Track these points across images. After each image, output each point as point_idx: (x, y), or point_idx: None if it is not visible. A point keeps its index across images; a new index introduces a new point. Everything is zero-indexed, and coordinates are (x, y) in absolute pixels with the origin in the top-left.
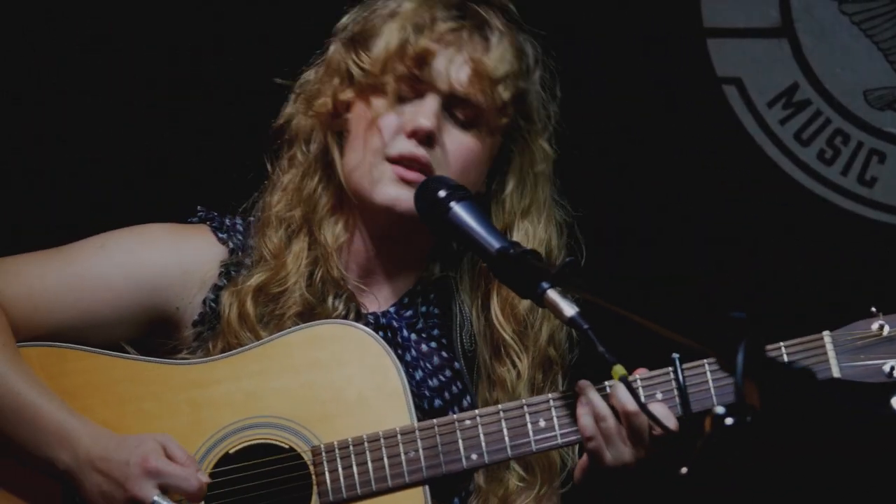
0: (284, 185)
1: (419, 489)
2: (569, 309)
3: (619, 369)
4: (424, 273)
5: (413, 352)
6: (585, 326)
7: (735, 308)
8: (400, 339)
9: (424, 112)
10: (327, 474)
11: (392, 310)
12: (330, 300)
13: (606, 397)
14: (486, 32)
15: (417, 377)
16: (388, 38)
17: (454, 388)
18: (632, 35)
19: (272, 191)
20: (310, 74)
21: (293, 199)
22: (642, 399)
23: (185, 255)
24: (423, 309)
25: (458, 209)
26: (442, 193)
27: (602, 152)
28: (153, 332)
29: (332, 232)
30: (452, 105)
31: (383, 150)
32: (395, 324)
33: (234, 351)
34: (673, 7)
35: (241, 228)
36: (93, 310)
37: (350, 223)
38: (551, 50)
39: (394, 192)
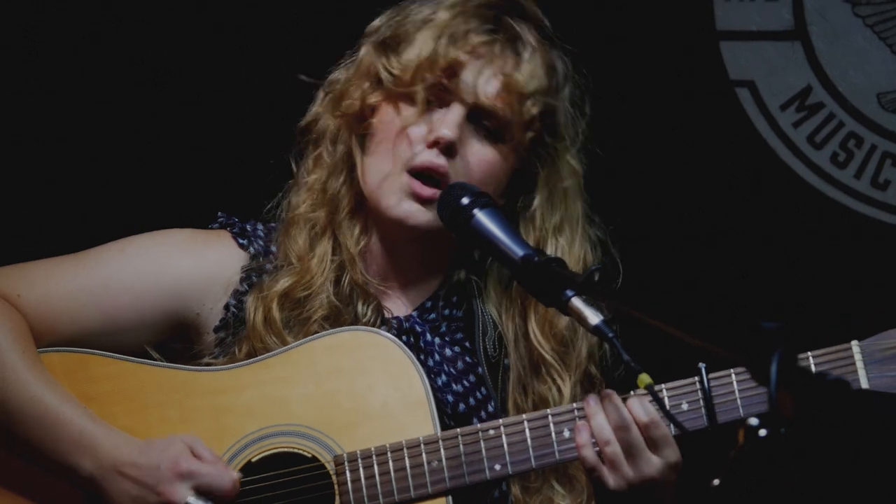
0: (310, 185)
1: (442, 500)
2: (594, 317)
3: (644, 378)
4: (447, 277)
5: (436, 356)
6: (610, 335)
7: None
8: (423, 344)
9: (447, 122)
10: (349, 483)
11: (415, 314)
12: (359, 305)
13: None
14: (519, 47)
15: (440, 382)
16: (420, 46)
17: (479, 393)
18: (645, 38)
19: (297, 191)
20: (339, 74)
21: (318, 199)
22: (668, 406)
23: (205, 261)
24: (446, 312)
25: (481, 216)
26: (465, 200)
27: (615, 155)
28: (174, 338)
29: (352, 235)
30: (478, 117)
31: (404, 158)
32: (418, 328)
33: (258, 358)
34: (686, 10)
35: (262, 234)
36: (114, 315)
37: (368, 226)
38: (582, 67)
39: (406, 207)
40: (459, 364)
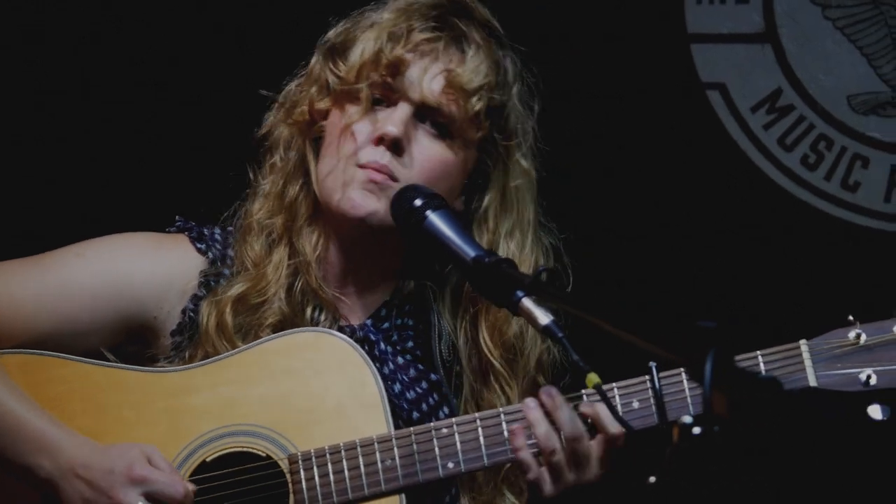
0: (266, 192)
1: (396, 497)
2: (544, 317)
3: (593, 377)
4: (399, 285)
5: (391, 364)
6: (560, 335)
7: (716, 314)
8: (377, 353)
9: (393, 119)
10: (304, 482)
11: (369, 322)
12: (309, 311)
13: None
14: (464, 45)
15: (396, 390)
16: (363, 47)
17: (430, 399)
18: (616, 41)
19: (254, 198)
20: (292, 85)
21: (274, 206)
22: (619, 405)
23: (164, 265)
24: (398, 321)
25: (433, 218)
26: (418, 202)
27: (586, 158)
28: (131, 341)
29: (310, 242)
30: (425, 115)
31: (353, 156)
32: (372, 337)
33: (213, 359)
34: (657, 13)
35: (219, 238)
36: (72, 318)
37: (325, 233)
38: (533, 66)
39: (356, 196)
40: (412, 372)
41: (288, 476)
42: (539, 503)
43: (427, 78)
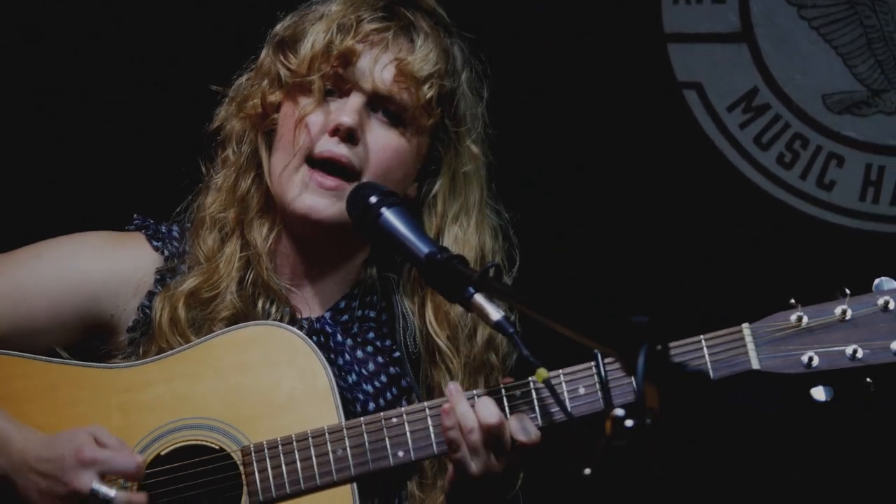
0: (219, 186)
1: (347, 487)
2: (495, 313)
3: (542, 372)
4: (361, 277)
5: (347, 356)
6: (511, 330)
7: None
8: (333, 344)
9: (346, 109)
10: (257, 474)
11: (327, 315)
12: (260, 304)
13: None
14: (412, 34)
15: (350, 381)
16: (313, 38)
17: (389, 393)
18: (592, 40)
19: (206, 192)
20: (243, 79)
21: (227, 199)
22: (565, 391)
23: (119, 263)
24: (360, 313)
25: (388, 215)
26: (373, 199)
27: (562, 156)
28: (88, 338)
29: (260, 234)
30: (378, 104)
31: (306, 149)
32: (328, 329)
33: (165, 354)
34: (633, 12)
35: (177, 235)
36: (30, 317)
37: (277, 225)
38: (480, 53)
39: (310, 200)
40: (371, 365)
41: (241, 468)
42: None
43: (378, 67)
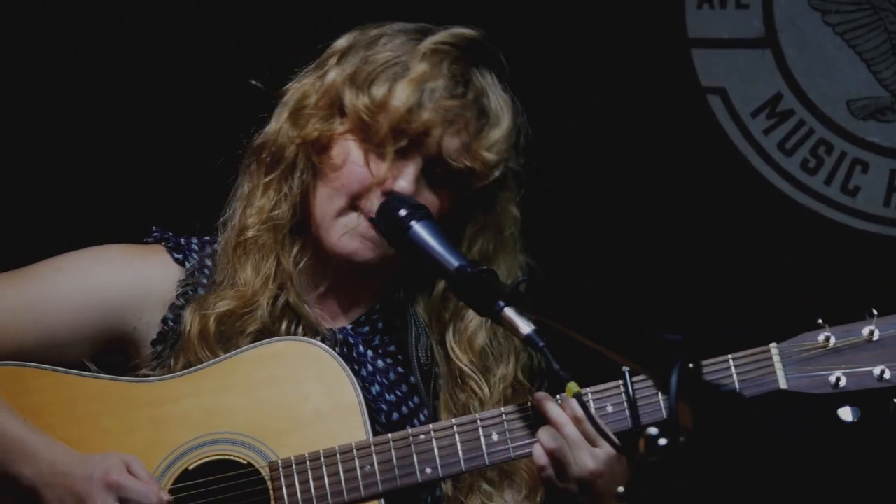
0: (261, 208)
1: (375, 503)
2: (525, 327)
3: (572, 386)
4: (385, 293)
5: (369, 367)
6: (541, 344)
7: (713, 320)
8: (355, 355)
9: (407, 176)
10: (284, 489)
11: (349, 327)
12: (285, 324)
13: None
14: (485, 103)
15: (374, 392)
16: (399, 99)
17: (411, 402)
18: (617, 45)
19: (244, 210)
20: (298, 93)
21: (266, 222)
22: (593, 411)
23: (141, 276)
24: (381, 325)
25: (418, 228)
26: (402, 212)
27: (586, 161)
28: (112, 351)
29: (290, 254)
30: (432, 166)
31: (356, 199)
32: (351, 340)
33: (193, 368)
34: (657, 17)
35: (196, 248)
36: (51, 330)
37: (308, 247)
38: (526, 95)
39: (354, 245)
40: (391, 375)
41: (269, 483)
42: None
43: (447, 139)
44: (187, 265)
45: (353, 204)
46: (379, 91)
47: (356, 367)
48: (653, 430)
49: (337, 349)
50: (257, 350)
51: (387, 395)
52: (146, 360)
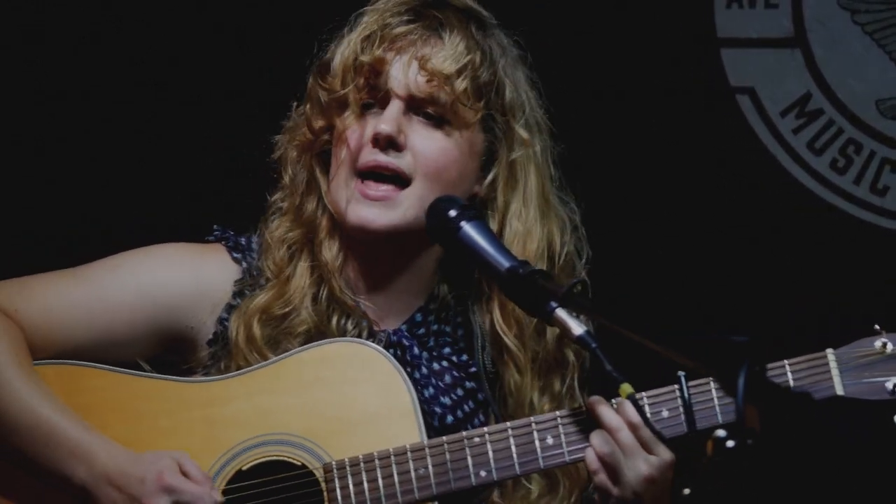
0: (284, 210)
1: None
2: (577, 328)
3: (626, 388)
4: (435, 290)
5: (423, 369)
6: (594, 345)
7: (741, 320)
8: (410, 357)
9: (384, 118)
10: (338, 491)
11: (404, 328)
12: (335, 320)
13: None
14: (440, 32)
15: (427, 394)
16: (341, 54)
17: (466, 406)
18: (646, 45)
19: (272, 216)
20: (297, 108)
21: (292, 222)
22: (648, 415)
23: (199, 275)
24: (435, 327)
25: (468, 228)
26: (452, 213)
27: (615, 161)
28: (168, 351)
29: (331, 252)
30: (418, 107)
31: (352, 162)
32: (405, 342)
33: (248, 369)
34: (687, 17)
35: (255, 248)
36: (109, 329)
37: (346, 244)
38: (516, 37)
39: (362, 212)
40: (447, 378)
41: (323, 485)
42: None
43: (410, 71)
44: (244, 265)
45: (354, 172)
46: (328, 60)
47: (410, 369)
48: (721, 433)
49: (391, 351)
50: (311, 351)
51: (441, 398)
52: (201, 361)
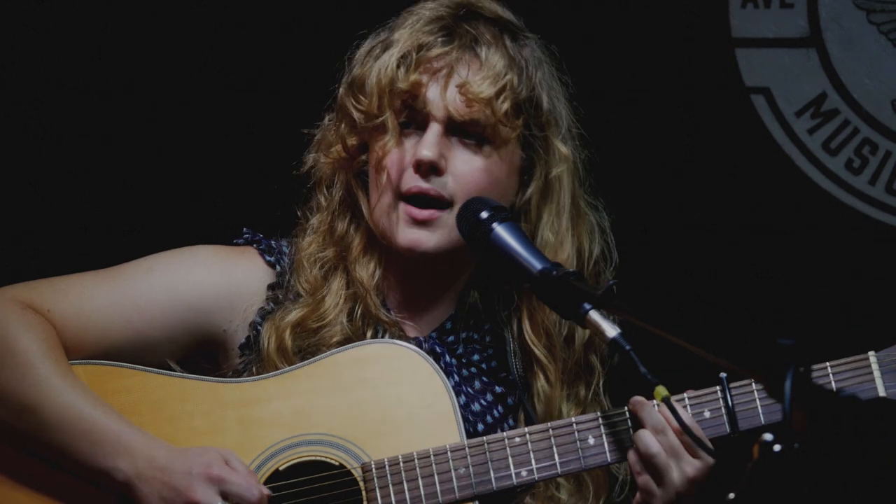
0: (315, 228)
1: None
2: (611, 330)
3: (661, 390)
4: (464, 298)
5: (455, 377)
6: (627, 347)
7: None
8: (442, 365)
9: (425, 143)
10: (377, 490)
11: (434, 335)
12: (370, 335)
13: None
14: (476, 49)
15: (461, 402)
16: (377, 76)
17: (496, 411)
18: (661, 45)
19: (303, 234)
20: (325, 120)
21: (325, 240)
22: (685, 419)
23: (232, 278)
24: (464, 335)
25: (500, 230)
26: (484, 215)
27: (630, 162)
28: (201, 353)
29: (367, 271)
30: (457, 129)
31: (395, 188)
32: (437, 349)
33: (283, 370)
34: (702, 17)
35: (287, 251)
36: (142, 331)
37: (382, 261)
38: (553, 47)
39: (412, 235)
40: (476, 384)
41: (361, 484)
42: None
43: (448, 94)
44: (278, 268)
45: (394, 194)
46: (362, 78)
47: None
48: (768, 436)
49: None
50: (349, 352)
51: (472, 406)
52: (233, 366)
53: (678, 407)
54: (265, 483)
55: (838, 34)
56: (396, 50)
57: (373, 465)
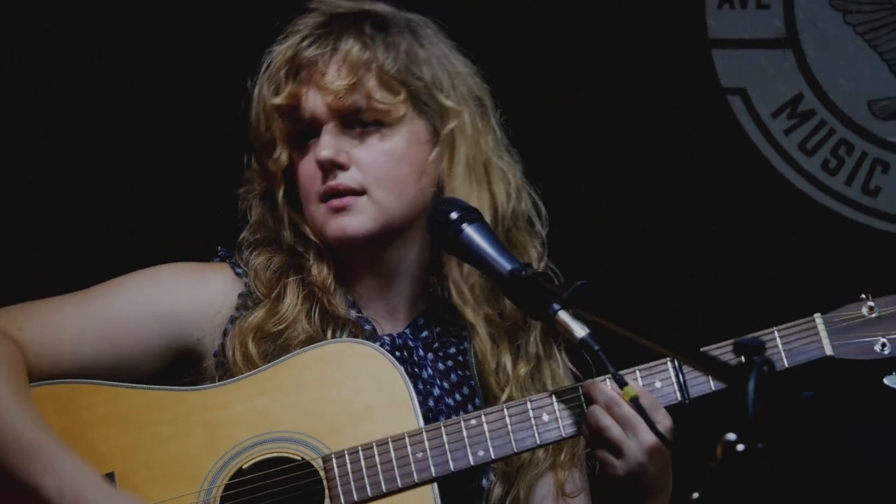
0: (261, 240)
1: (428, 487)
2: (580, 330)
3: (629, 390)
4: (435, 293)
5: (429, 370)
6: (596, 348)
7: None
8: (416, 358)
9: (320, 145)
10: (338, 478)
11: (407, 331)
12: (330, 333)
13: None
14: (337, 44)
15: (435, 394)
16: (256, 102)
17: (470, 405)
18: (638, 46)
19: (250, 245)
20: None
21: (273, 252)
22: (654, 421)
23: (204, 287)
24: (438, 329)
25: (469, 231)
26: (454, 215)
27: (606, 163)
28: (178, 364)
29: (320, 272)
30: (352, 121)
31: (315, 194)
32: (410, 343)
33: (246, 374)
34: (678, 18)
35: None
36: (115, 341)
37: (335, 262)
38: (441, 22)
39: (335, 223)
40: (453, 377)
41: (322, 474)
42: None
43: (323, 93)
44: (244, 280)
45: (319, 198)
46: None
47: (416, 370)
48: (731, 436)
49: (397, 354)
50: (307, 353)
51: (447, 399)
52: (208, 373)
53: (640, 407)
54: (229, 480)
55: (814, 35)
56: (269, 68)
57: (333, 457)
